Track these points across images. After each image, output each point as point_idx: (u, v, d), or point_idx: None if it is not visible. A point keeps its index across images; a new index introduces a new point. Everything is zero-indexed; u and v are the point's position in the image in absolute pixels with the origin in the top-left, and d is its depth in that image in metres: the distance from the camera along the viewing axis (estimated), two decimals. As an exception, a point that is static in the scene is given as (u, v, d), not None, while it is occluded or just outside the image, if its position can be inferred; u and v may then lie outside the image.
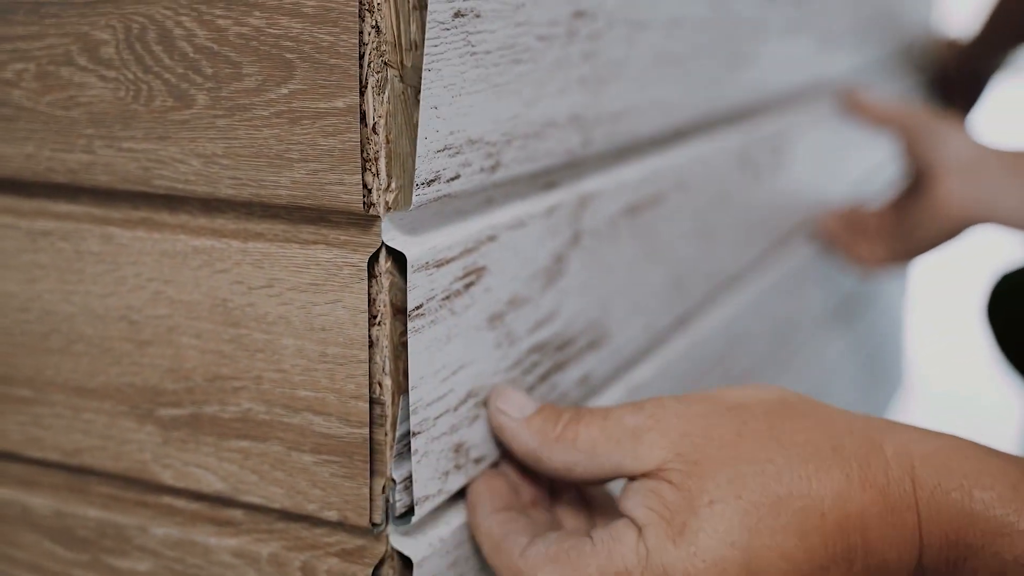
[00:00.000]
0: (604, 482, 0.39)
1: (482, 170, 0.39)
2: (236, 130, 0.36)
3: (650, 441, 0.37)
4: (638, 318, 0.54)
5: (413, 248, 0.36)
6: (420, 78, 0.35)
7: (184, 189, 0.37)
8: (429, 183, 0.36)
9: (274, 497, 0.38)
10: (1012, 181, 0.76)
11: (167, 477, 0.40)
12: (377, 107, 0.34)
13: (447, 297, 0.38)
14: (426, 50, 0.34)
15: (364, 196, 0.35)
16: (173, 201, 0.39)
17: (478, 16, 0.36)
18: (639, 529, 0.36)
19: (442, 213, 0.39)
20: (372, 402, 0.37)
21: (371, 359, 0.36)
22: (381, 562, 0.38)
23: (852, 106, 0.87)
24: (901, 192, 0.84)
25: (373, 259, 0.36)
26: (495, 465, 0.42)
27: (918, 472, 0.36)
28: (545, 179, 0.45)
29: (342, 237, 0.36)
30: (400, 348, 0.37)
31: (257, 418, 0.38)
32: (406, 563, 0.38)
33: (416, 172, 0.35)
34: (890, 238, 0.83)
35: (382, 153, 0.34)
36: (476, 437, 0.41)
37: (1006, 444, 0.38)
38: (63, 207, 0.41)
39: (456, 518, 0.41)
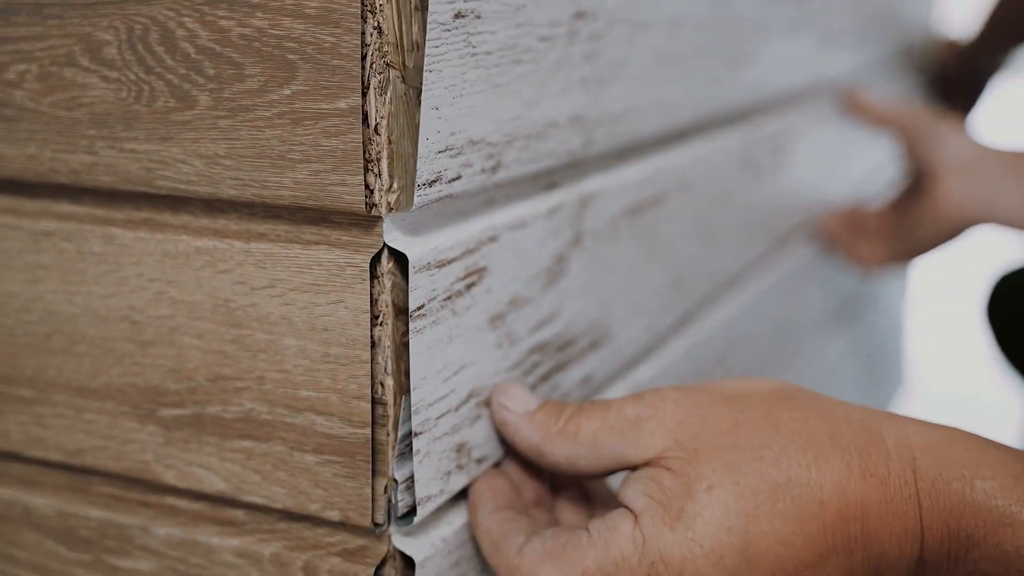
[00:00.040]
0: (606, 475, 0.39)
1: (483, 171, 0.39)
2: (238, 131, 0.36)
3: (650, 430, 0.37)
4: (639, 318, 0.54)
5: (415, 249, 0.36)
6: (422, 79, 0.35)
7: (186, 190, 0.37)
8: (431, 184, 0.36)
9: (276, 497, 0.39)
10: (1012, 181, 0.76)
11: (169, 477, 0.40)
12: (379, 108, 0.34)
13: (448, 297, 0.38)
14: (427, 51, 0.34)
15: (366, 197, 0.35)
16: (175, 202, 0.39)
17: (479, 17, 0.36)
18: (635, 517, 0.36)
19: (443, 214, 0.39)
20: (374, 402, 0.37)
21: (373, 359, 0.36)
22: (383, 562, 0.38)
23: (852, 106, 0.87)
24: (901, 192, 0.84)
25: (375, 260, 0.36)
26: (497, 465, 0.42)
27: (919, 462, 0.36)
28: (546, 180, 0.45)
29: (344, 238, 0.36)
30: (402, 348, 0.37)
31: (259, 418, 0.38)
32: (408, 563, 0.38)
33: (418, 173, 0.35)
34: (890, 238, 0.83)
35: (384, 154, 0.34)
36: (478, 437, 0.41)
37: (1007, 444, 0.38)
38: (65, 208, 0.41)
39: (458, 518, 0.41)
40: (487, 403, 0.41)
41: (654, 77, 0.51)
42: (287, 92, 0.35)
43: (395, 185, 0.35)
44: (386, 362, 0.36)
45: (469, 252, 0.39)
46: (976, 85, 1.24)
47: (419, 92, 0.35)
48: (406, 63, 0.35)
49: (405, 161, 0.35)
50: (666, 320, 0.58)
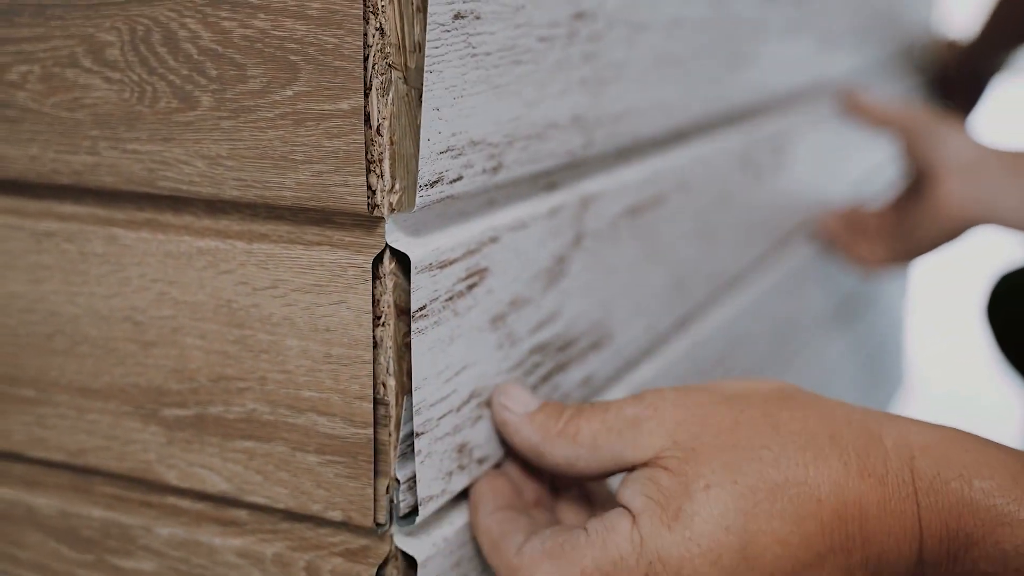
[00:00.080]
0: (606, 476, 0.39)
1: (484, 171, 0.39)
2: (241, 132, 0.36)
3: (648, 430, 0.37)
4: (639, 319, 0.54)
5: (417, 249, 0.36)
6: (423, 80, 0.35)
7: (188, 190, 0.37)
8: (432, 184, 0.36)
9: (278, 497, 0.39)
10: (1012, 181, 0.76)
11: (172, 477, 0.40)
12: (381, 109, 0.34)
13: (450, 298, 0.38)
14: (427, 52, 0.34)
15: (368, 198, 0.35)
16: (177, 202, 0.39)
17: (478, 18, 0.37)
18: (633, 517, 0.36)
19: (445, 214, 0.39)
20: (376, 403, 0.37)
21: (375, 360, 0.36)
22: (385, 562, 0.38)
23: (852, 107, 0.87)
24: (901, 192, 0.84)
25: (377, 260, 0.36)
26: (498, 465, 0.42)
27: (917, 462, 0.36)
28: (547, 180, 0.45)
29: (346, 238, 0.36)
30: (404, 349, 0.37)
31: (261, 419, 0.38)
32: (410, 563, 0.38)
33: (419, 174, 0.35)
34: (890, 238, 0.83)
35: (386, 155, 0.34)
36: (479, 437, 0.41)
37: (1006, 444, 0.38)
38: (68, 208, 0.41)
39: (460, 518, 0.41)
40: (488, 403, 0.41)
41: (654, 78, 0.51)
42: (289, 93, 0.35)
43: (397, 186, 0.35)
44: (388, 363, 0.36)
45: (470, 253, 0.39)
46: (976, 85, 1.24)
47: (421, 93, 0.35)
48: (408, 64, 0.35)
49: (407, 162, 0.35)
50: (666, 320, 0.58)
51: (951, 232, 0.78)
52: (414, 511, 0.38)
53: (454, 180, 0.37)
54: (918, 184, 0.81)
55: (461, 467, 0.40)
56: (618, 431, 0.38)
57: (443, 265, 0.37)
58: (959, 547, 0.35)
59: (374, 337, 0.36)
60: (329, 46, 0.34)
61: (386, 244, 0.36)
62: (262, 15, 0.34)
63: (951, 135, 0.79)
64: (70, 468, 0.43)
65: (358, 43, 0.33)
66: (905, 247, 0.81)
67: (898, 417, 0.38)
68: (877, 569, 0.36)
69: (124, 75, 0.37)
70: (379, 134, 0.34)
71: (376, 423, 0.37)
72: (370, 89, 0.34)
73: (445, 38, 0.35)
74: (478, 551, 0.42)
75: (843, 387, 1.07)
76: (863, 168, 1.02)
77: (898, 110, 0.85)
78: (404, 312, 0.37)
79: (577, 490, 0.44)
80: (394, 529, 0.38)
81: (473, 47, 0.37)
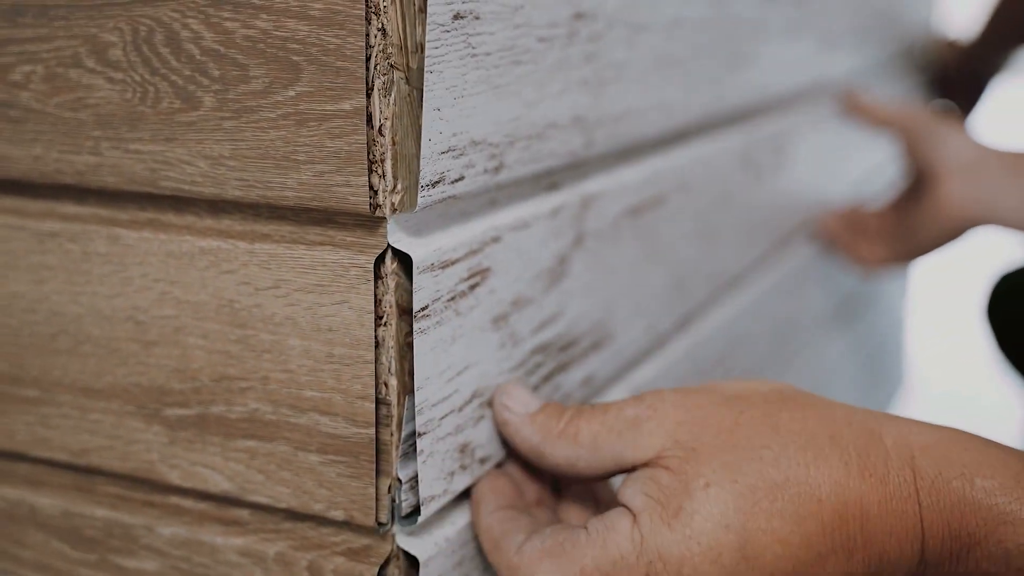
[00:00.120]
0: (607, 476, 0.39)
1: (486, 171, 0.39)
2: (243, 132, 0.36)
3: (649, 430, 0.37)
4: (640, 319, 0.54)
5: (418, 249, 0.36)
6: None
7: (191, 190, 0.38)
8: (434, 184, 0.36)
9: (280, 497, 0.39)
10: (1012, 182, 0.76)
11: (174, 477, 0.40)
12: (383, 109, 0.34)
13: (452, 298, 0.38)
14: (427, 52, 0.34)
15: (370, 198, 0.35)
16: (180, 202, 0.39)
17: (477, 18, 0.37)
18: (634, 516, 0.36)
19: (447, 215, 0.39)
20: (378, 402, 0.37)
21: (377, 359, 0.36)
22: (387, 561, 0.38)
23: (852, 107, 0.87)
24: (902, 193, 0.84)
25: (379, 260, 0.36)
26: (500, 465, 0.42)
27: (918, 462, 0.36)
28: (548, 180, 0.45)
29: (348, 239, 0.36)
30: (406, 349, 0.37)
31: (264, 418, 0.38)
32: (412, 562, 0.38)
33: (421, 174, 0.35)
34: (891, 238, 0.83)
35: (388, 155, 0.35)
36: (481, 437, 0.41)
37: (1006, 444, 0.38)
38: (70, 208, 0.41)
39: (462, 518, 0.41)
40: (490, 403, 0.41)
41: (654, 78, 0.51)
42: (291, 93, 0.35)
43: (399, 186, 0.35)
44: (390, 362, 0.36)
45: (472, 253, 0.39)
46: (976, 85, 1.24)
47: (422, 93, 0.35)
48: (410, 64, 0.35)
49: (409, 162, 0.35)
50: (667, 320, 0.58)
51: (951, 232, 0.78)
52: (416, 511, 0.38)
53: (456, 180, 0.37)
54: (918, 184, 0.81)
55: (463, 467, 0.40)
56: (618, 432, 0.38)
57: (445, 265, 0.37)
58: (961, 547, 0.35)
59: (376, 337, 0.36)
60: (331, 46, 0.34)
61: (388, 244, 0.36)
62: (264, 16, 0.35)
63: (951, 135, 0.79)
64: (73, 468, 0.43)
65: (360, 43, 0.34)
66: (905, 247, 0.81)
67: (898, 417, 0.38)
68: (878, 569, 0.36)
69: (127, 75, 0.37)
70: (381, 134, 0.34)
71: (378, 423, 0.37)
72: (372, 89, 0.34)
73: (445, 38, 0.35)
74: (480, 551, 0.42)
75: (843, 387, 1.07)
76: (863, 168, 1.02)
77: (898, 110, 0.85)
78: (406, 312, 0.37)
79: (580, 489, 0.44)
80: (396, 529, 0.38)
81: (473, 47, 0.37)
